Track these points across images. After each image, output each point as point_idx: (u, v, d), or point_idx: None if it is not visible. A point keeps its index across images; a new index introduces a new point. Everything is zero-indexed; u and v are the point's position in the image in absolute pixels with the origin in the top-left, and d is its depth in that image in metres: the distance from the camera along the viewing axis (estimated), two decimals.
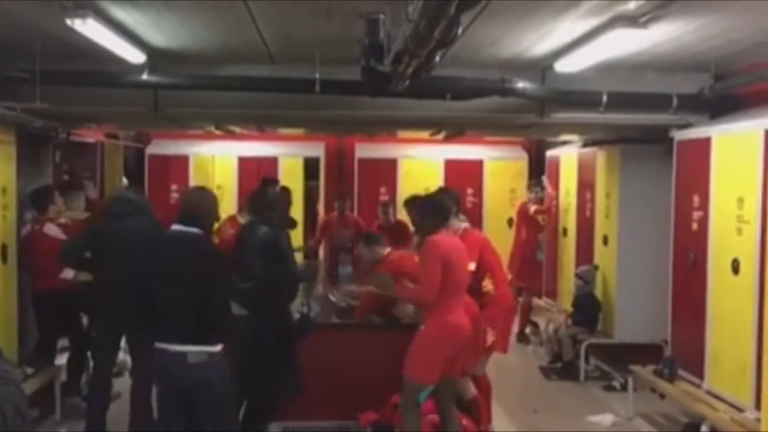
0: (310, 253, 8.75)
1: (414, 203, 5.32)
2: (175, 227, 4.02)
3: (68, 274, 5.90)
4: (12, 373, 1.70)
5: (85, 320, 6.26)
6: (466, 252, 4.69)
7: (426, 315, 4.55)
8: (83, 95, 6.18)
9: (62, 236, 5.88)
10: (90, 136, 8.64)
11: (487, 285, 5.27)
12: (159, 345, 3.88)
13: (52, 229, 5.95)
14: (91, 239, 5.35)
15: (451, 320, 4.48)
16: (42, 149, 6.98)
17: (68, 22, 4.49)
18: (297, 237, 8.13)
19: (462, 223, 5.36)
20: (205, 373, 3.85)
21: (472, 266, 5.00)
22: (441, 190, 5.89)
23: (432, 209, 4.68)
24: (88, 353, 6.00)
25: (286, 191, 6.99)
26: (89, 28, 4.67)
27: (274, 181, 7.84)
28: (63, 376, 6.14)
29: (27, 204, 6.32)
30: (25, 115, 5.86)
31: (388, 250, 5.68)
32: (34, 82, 5.67)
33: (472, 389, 5.27)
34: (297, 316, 5.05)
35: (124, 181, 9.80)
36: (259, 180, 8.01)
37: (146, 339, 4.01)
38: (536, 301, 9.54)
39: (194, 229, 3.98)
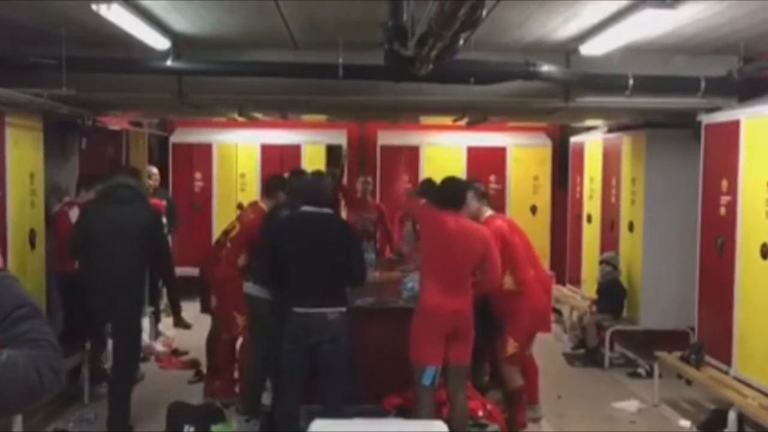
0: None
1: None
2: (306, 209, 4.70)
3: None
4: (50, 334, 1.74)
5: None
6: (473, 241, 4.65)
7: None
8: (109, 81, 6.23)
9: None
10: (114, 123, 8.71)
11: (508, 282, 5.15)
12: (298, 309, 4.54)
13: (74, 214, 6.02)
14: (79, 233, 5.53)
15: (427, 302, 4.60)
16: (68, 136, 7.04)
17: (94, 7, 4.52)
18: None
19: (487, 211, 5.31)
20: (339, 328, 4.55)
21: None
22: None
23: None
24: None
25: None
26: (114, 14, 4.70)
27: (300, 171, 7.71)
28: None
29: (57, 189, 6.44)
30: (51, 102, 5.90)
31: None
32: (60, 68, 5.71)
33: (518, 379, 5.27)
34: None
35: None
36: (281, 168, 8.01)
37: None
38: (560, 288, 9.50)
39: (324, 210, 4.69)
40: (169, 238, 8.52)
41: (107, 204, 5.41)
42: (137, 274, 5.46)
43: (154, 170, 8.82)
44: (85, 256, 5.42)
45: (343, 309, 4.63)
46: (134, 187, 5.54)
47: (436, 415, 4.64)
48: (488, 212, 5.32)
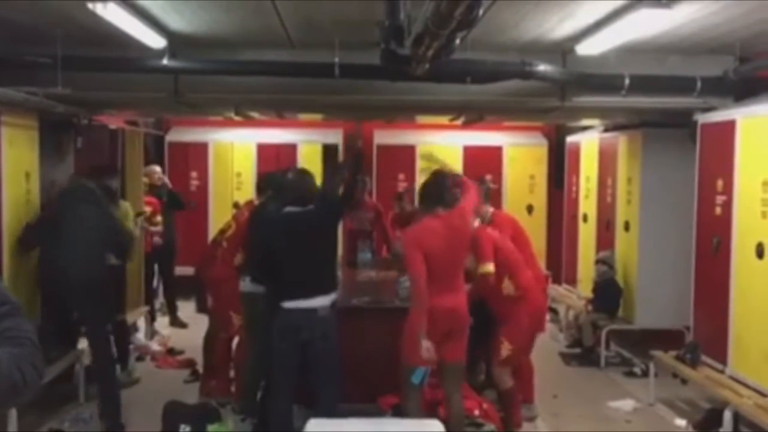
0: None
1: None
2: (290, 210, 4.70)
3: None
4: (31, 332, 1.76)
5: None
6: (461, 234, 4.65)
7: None
8: (104, 80, 6.21)
9: None
10: (110, 122, 8.69)
11: (508, 287, 5.15)
12: (287, 304, 4.52)
13: None
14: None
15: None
16: (64, 135, 7.03)
17: (90, 6, 4.51)
18: None
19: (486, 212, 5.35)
20: (329, 325, 4.56)
21: (490, 267, 4.98)
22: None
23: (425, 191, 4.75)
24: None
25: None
26: (110, 13, 4.69)
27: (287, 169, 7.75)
28: (87, 360, 6.20)
29: (55, 184, 6.43)
30: (47, 101, 5.88)
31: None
32: (55, 67, 5.69)
33: (508, 381, 5.27)
34: None
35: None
36: (277, 167, 7.99)
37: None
38: (556, 287, 9.51)
39: (308, 208, 4.69)
40: (171, 233, 8.57)
41: (73, 204, 5.47)
42: (98, 273, 5.44)
43: (157, 169, 8.81)
44: (46, 251, 5.47)
45: (333, 298, 4.62)
46: (94, 191, 5.58)
47: (433, 414, 4.64)
48: (490, 210, 5.39)
